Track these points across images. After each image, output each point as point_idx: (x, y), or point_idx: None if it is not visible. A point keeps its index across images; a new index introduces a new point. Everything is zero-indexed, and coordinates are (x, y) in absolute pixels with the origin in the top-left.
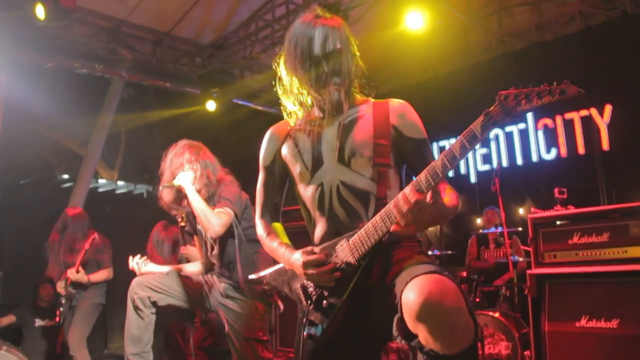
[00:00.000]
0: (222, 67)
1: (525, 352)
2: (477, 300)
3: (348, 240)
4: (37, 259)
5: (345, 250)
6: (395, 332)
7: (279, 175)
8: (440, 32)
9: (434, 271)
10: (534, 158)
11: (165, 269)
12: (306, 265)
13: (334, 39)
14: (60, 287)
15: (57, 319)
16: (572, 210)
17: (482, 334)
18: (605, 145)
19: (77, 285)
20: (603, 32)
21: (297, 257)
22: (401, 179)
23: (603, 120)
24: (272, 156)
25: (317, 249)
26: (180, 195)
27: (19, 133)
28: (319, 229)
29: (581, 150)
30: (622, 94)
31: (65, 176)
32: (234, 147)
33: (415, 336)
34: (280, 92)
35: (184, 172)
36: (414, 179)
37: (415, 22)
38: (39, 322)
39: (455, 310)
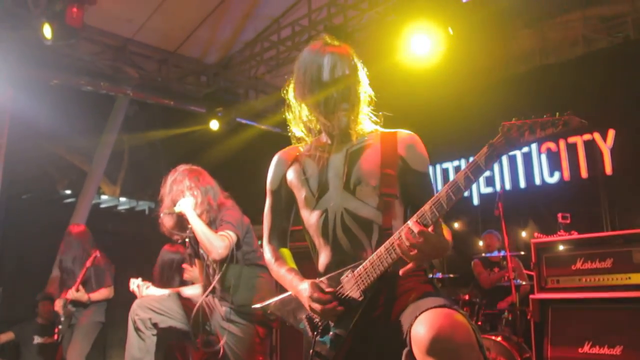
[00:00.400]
0: (226, 87)
1: None
2: (480, 323)
3: (353, 271)
4: (38, 274)
5: (351, 282)
6: None
7: (286, 200)
8: (445, 55)
9: (444, 305)
10: (537, 181)
11: (164, 292)
12: (311, 299)
13: (342, 66)
14: (58, 306)
15: (56, 336)
16: (575, 235)
17: None
18: (609, 169)
19: (77, 303)
20: (606, 57)
21: (305, 288)
22: (405, 210)
23: (606, 144)
24: (279, 181)
25: (324, 282)
26: (181, 221)
27: (23, 148)
28: (323, 258)
29: (584, 174)
30: (625, 119)
31: (68, 192)
32: (236, 166)
33: None
34: (289, 118)
35: (185, 199)
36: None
37: (421, 47)
38: (37, 339)
39: (465, 346)
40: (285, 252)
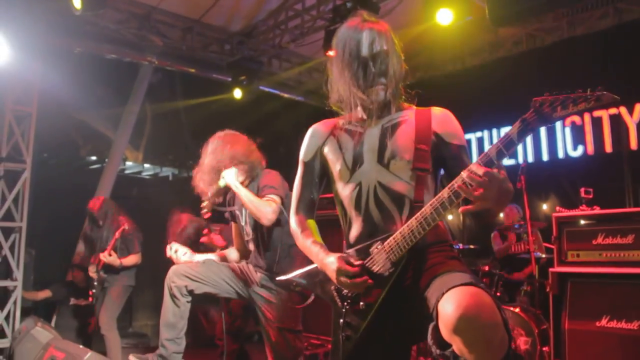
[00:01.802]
0: (250, 55)
1: (544, 348)
2: (498, 294)
3: (383, 243)
4: (66, 237)
5: (381, 253)
6: (429, 340)
7: (319, 172)
8: (470, 25)
9: (471, 282)
10: (560, 154)
11: (203, 257)
12: (339, 272)
13: (380, 42)
14: (92, 271)
15: (90, 299)
16: (597, 210)
17: (515, 345)
18: (634, 144)
19: (108, 268)
20: (636, 29)
21: (332, 261)
22: (436, 186)
23: (632, 119)
24: (313, 152)
25: (351, 254)
26: (220, 190)
27: (49, 115)
28: (354, 229)
29: (608, 148)
30: None
31: (93, 157)
32: (259, 134)
33: (449, 345)
34: (327, 91)
35: (228, 170)
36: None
37: (445, 18)
38: (73, 301)
39: (491, 325)
40: (312, 223)
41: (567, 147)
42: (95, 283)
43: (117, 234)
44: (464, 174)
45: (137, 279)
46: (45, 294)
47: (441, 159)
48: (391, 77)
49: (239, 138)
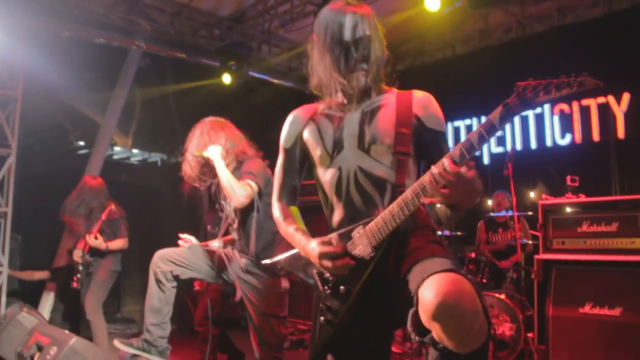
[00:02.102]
0: (240, 40)
1: (528, 334)
2: (484, 281)
3: (364, 227)
4: (53, 223)
5: (362, 237)
6: (409, 326)
7: (299, 158)
8: (460, 12)
9: (452, 269)
10: (548, 143)
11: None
12: (322, 256)
13: (363, 26)
14: (77, 255)
15: (75, 284)
16: (582, 198)
17: (495, 332)
18: (621, 133)
19: (94, 252)
20: (626, 18)
21: (314, 247)
22: (419, 170)
23: (620, 108)
24: (293, 139)
25: (333, 237)
26: (203, 170)
27: (36, 99)
28: (336, 215)
29: (596, 137)
30: None
31: (81, 143)
32: (248, 120)
33: (429, 331)
34: (308, 75)
35: (214, 146)
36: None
37: (434, 4)
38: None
39: (471, 313)
40: (294, 210)
41: (555, 135)
42: (80, 268)
43: (103, 216)
44: (434, 169)
45: (126, 265)
46: (42, 274)
47: (420, 144)
48: (373, 62)
49: (226, 124)
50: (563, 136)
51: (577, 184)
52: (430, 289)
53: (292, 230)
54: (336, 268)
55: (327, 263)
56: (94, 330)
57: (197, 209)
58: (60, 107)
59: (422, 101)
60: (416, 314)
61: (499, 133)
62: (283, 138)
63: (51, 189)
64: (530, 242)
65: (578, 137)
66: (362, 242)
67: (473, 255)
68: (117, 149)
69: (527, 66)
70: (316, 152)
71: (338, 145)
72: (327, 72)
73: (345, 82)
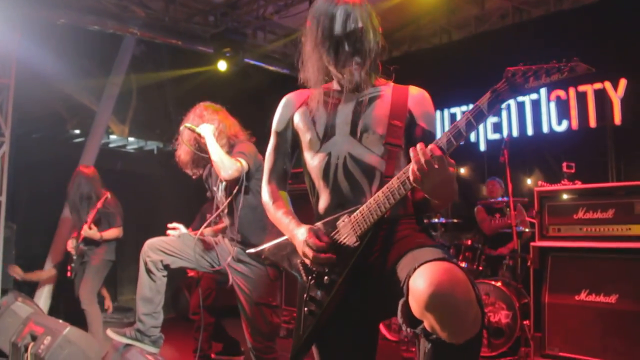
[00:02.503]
0: (234, 27)
1: (524, 322)
2: (481, 268)
3: (350, 216)
4: (49, 212)
5: (347, 226)
6: (399, 317)
7: (291, 142)
8: None
9: (443, 258)
10: (545, 129)
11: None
12: (306, 243)
13: (355, 18)
14: (70, 245)
15: (69, 274)
16: (578, 185)
17: (488, 321)
18: (618, 119)
19: (88, 241)
20: (623, 3)
21: (302, 232)
22: (409, 164)
23: (617, 94)
24: (285, 122)
25: (320, 228)
26: (197, 158)
27: (32, 87)
28: (322, 201)
29: (593, 123)
30: (637, 68)
31: (77, 131)
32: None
33: (420, 322)
34: (300, 64)
35: (207, 124)
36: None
37: None
38: None
39: (465, 302)
40: (284, 195)
41: (552, 121)
42: (74, 257)
43: (98, 205)
44: (412, 153)
45: (122, 254)
46: (49, 272)
47: (410, 140)
48: (366, 55)
49: (220, 110)
50: (560, 122)
51: (573, 171)
52: (422, 278)
53: (280, 214)
54: (316, 259)
55: (309, 252)
56: (89, 319)
57: (193, 196)
58: (56, 95)
59: (417, 98)
60: (406, 304)
61: (494, 119)
62: (275, 121)
63: (47, 178)
64: (527, 229)
65: (575, 124)
66: (346, 232)
67: (469, 242)
68: (113, 137)
69: (523, 52)
70: (306, 136)
71: (330, 131)
72: (315, 66)
73: (339, 75)
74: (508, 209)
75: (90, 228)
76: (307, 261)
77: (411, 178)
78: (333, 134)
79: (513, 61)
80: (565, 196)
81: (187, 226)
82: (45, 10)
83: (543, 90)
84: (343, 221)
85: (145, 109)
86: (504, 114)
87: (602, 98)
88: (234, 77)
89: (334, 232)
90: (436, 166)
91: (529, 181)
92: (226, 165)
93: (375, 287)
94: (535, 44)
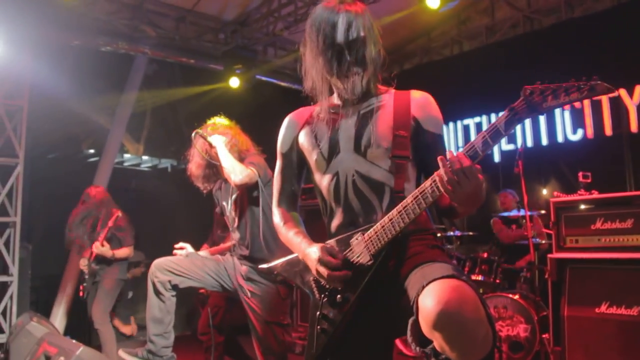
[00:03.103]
0: (245, 44)
1: (543, 335)
2: (498, 281)
3: (363, 234)
4: (65, 232)
5: (361, 244)
6: (409, 336)
7: (297, 162)
8: (467, 8)
9: (452, 275)
10: (560, 138)
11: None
12: (319, 262)
13: (357, 26)
14: (83, 264)
15: (81, 294)
16: (595, 195)
17: (500, 342)
18: (634, 127)
19: (100, 261)
20: (635, 9)
21: (314, 251)
22: (418, 174)
23: (632, 101)
24: (289, 143)
25: (333, 246)
26: (208, 172)
27: (46, 108)
28: (335, 220)
29: (608, 131)
30: None
31: (92, 151)
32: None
33: (430, 341)
34: (301, 76)
35: (219, 135)
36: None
37: (434, 1)
38: None
39: (474, 321)
40: (294, 216)
41: (567, 130)
42: (86, 277)
43: (110, 223)
44: (441, 168)
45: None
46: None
47: (418, 147)
48: (368, 64)
49: (233, 126)
50: (575, 131)
51: (589, 180)
52: (430, 296)
53: (292, 234)
54: (331, 278)
55: (324, 271)
56: (103, 339)
57: (207, 214)
58: (71, 115)
59: (420, 102)
60: (416, 322)
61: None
62: (280, 142)
63: (63, 198)
64: (543, 241)
65: (590, 132)
66: (360, 250)
67: (485, 255)
68: (127, 155)
69: (536, 61)
70: (312, 157)
71: (334, 149)
72: (319, 75)
73: (340, 85)
74: (524, 221)
75: (102, 245)
76: (322, 280)
77: (441, 189)
78: (338, 151)
79: (526, 71)
80: (582, 206)
81: (199, 244)
82: (58, 32)
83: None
84: (356, 239)
85: (159, 127)
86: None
87: (617, 105)
88: (245, 93)
89: (347, 250)
90: (467, 175)
91: (544, 191)
92: (237, 170)
93: (388, 304)
94: (548, 52)
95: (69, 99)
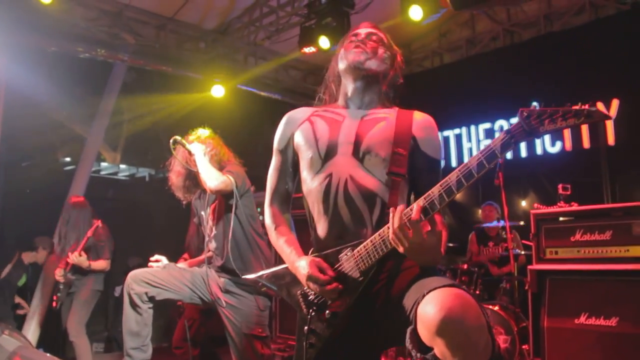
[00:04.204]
0: (225, 53)
1: (523, 346)
2: (477, 292)
3: (353, 250)
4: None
5: (350, 261)
6: (408, 344)
7: (292, 160)
8: (447, 20)
9: (452, 284)
10: (539, 151)
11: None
12: (309, 278)
13: (379, 34)
14: (58, 274)
15: (55, 304)
16: (575, 207)
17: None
18: (611, 140)
19: (76, 271)
20: (613, 25)
21: (303, 266)
22: (409, 191)
23: (610, 114)
24: (286, 140)
25: (322, 261)
26: (188, 183)
27: (21, 115)
28: (321, 229)
29: (586, 144)
30: (629, 89)
31: (68, 159)
32: (236, 133)
33: (430, 349)
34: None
35: (198, 144)
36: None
37: (417, 14)
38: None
39: (477, 328)
40: (287, 218)
41: (546, 143)
42: (62, 287)
43: (89, 233)
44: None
45: (114, 281)
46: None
47: (413, 167)
48: (382, 58)
49: (214, 137)
50: (553, 144)
51: (569, 192)
52: (432, 304)
53: (282, 242)
54: (323, 293)
55: (315, 287)
56: (78, 351)
57: (185, 225)
58: (47, 123)
59: (422, 123)
60: (415, 332)
61: (487, 141)
62: (277, 139)
63: (37, 206)
64: (522, 252)
65: (568, 145)
66: (350, 266)
67: (465, 266)
68: (104, 164)
69: (515, 74)
70: (307, 154)
71: (331, 150)
72: (335, 72)
73: (351, 77)
74: (504, 234)
75: (80, 255)
76: (312, 292)
77: (390, 240)
78: (335, 152)
79: (505, 83)
80: (562, 218)
81: (177, 254)
82: (36, 37)
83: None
84: (346, 254)
85: (137, 135)
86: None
87: None
88: (225, 103)
89: (337, 265)
90: (409, 232)
91: (523, 203)
92: (212, 175)
93: (378, 316)
94: (527, 65)
95: (45, 105)
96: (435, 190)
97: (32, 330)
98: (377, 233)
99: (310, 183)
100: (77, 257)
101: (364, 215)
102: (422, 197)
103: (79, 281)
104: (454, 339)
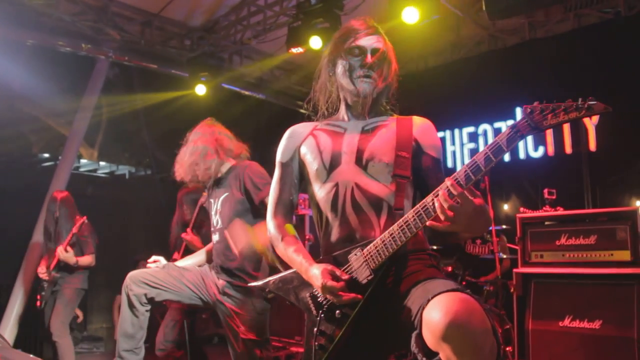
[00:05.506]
0: (211, 51)
1: (507, 348)
2: None
3: (362, 250)
4: (16, 239)
5: (360, 260)
6: (414, 348)
7: (297, 172)
8: (433, 25)
9: (457, 289)
10: (522, 155)
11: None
12: (324, 289)
13: (379, 43)
14: (41, 272)
15: (38, 303)
16: (561, 212)
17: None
18: (593, 145)
19: (61, 268)
20: (595, 33)
21: (317, 275)
22: (415, 193)
23: (591, 121)
24: (291, 153)
25: (329, 260)
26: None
27: None
28: (331, 234)
29: (568, 149)
30: (610, 95)
31: (45, 155)
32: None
33: (435, 354)
34: (315, 88)
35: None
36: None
37: (411, 17)
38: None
39: (482, 332)
40: (290, 228)
41: (529, 147)
42: (45, 285)
43: (74, 229)
44: (440, 191)
45: (93, 281)
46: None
47: (417, 169)
48: (383, 77)
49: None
50: (536, 149)
51: (554, 197)
52: (437, 309)
53: (291, 251)
54: (341, 302)
55: (332, 297)
56: (61, 352)
57: (164, 222)
58: (23, 117)
59: (422, 126)
60: (420, 336)
61: (471, 145)
62: (280, 152)
63: (13, 203)
64: (505, 256)
65: (551, 150)
66: (359, 265)
67: (450, 269)
68: (83, 161)
69: (499, 79)
70: (313, 166)
71: (336, 160)
72: (333, 85)
73: (352, 89)
74: (489, 236)
75: (66, 251)
76: (321, 297)
77: (442, 218)
78: (339, 163)
79: (489, 88)
80: (547, 222)
81: (157, 252)
82: (13, 30)
83: (519, 116)
84: (355, 254)
85: (117, 132)
86: (481, 140)
87: (577, 125)
88: (209, 101)
89: (346, 266)
90: (460, 202)
91: (505, 207)
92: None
93: (386, 320)
94: (510, 71)
95: (22, 99)
96: (444, 186)
97: (9, 329)
98: (386, 231)
99: (318, 192)
100: (64, 254)
101: (372, 219)
102: (434, 191)
103: (63, 279)
104: (460, 344)
